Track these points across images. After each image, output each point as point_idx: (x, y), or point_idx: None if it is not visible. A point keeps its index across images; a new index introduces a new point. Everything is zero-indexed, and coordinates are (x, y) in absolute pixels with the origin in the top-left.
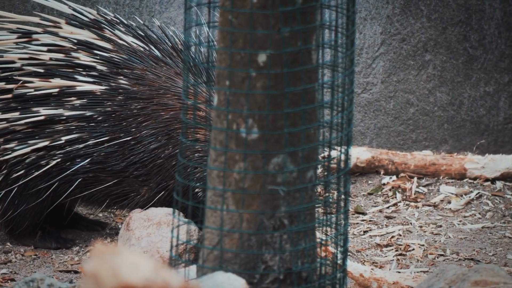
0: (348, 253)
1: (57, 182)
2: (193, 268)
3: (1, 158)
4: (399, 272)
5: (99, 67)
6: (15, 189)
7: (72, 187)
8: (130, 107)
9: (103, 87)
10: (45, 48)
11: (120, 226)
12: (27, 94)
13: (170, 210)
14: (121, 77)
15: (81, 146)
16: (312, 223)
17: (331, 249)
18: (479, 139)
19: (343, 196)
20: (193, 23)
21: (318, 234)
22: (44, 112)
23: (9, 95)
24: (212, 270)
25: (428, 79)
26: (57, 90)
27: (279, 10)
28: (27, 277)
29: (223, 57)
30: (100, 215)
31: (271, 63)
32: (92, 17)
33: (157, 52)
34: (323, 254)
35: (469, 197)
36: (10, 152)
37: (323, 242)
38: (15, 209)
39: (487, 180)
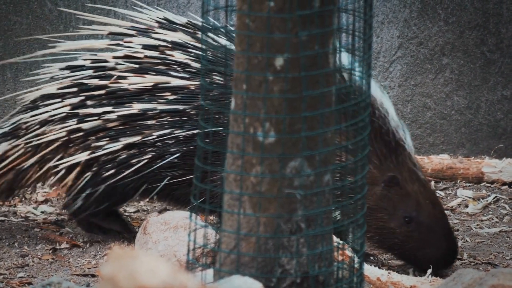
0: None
1: (146, 180)
2: (210, 272)
3: (93, 155)
4: (416, 276)
5: (193, 64)
6: (103, 187)
7: (160, 186)
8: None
9: (198, 83)
10: (139, 47)
11: (137, 229)
12: (121, 88)
13: (187, 213)
14: (216, 73)
15: (172, 141)
16: (329, 227)
17: (348, 252)
18: (496, 143)
19: (360, 200)
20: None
21: (335, 238)
22: (137, 106)
23: (103, 91)
24: (229, 273)
25: (445, 82)
26: (151, 84)
27: (297, 14)
28: (44, 281)
29: (240, 60)
30: None
31: (289, 66)
32: (181, 22)
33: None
34: (340, 257)
35: (487, 201)
36: (101, 150)
37: (340, 246)
38: (97, 205)
39: (504, 184)
